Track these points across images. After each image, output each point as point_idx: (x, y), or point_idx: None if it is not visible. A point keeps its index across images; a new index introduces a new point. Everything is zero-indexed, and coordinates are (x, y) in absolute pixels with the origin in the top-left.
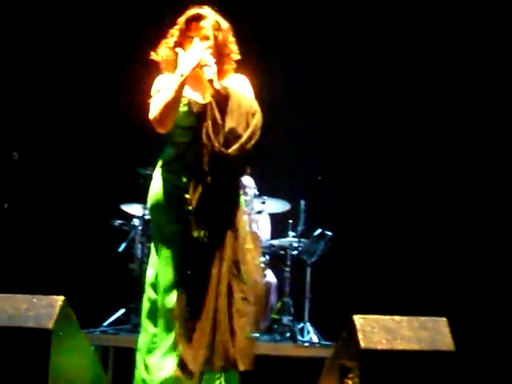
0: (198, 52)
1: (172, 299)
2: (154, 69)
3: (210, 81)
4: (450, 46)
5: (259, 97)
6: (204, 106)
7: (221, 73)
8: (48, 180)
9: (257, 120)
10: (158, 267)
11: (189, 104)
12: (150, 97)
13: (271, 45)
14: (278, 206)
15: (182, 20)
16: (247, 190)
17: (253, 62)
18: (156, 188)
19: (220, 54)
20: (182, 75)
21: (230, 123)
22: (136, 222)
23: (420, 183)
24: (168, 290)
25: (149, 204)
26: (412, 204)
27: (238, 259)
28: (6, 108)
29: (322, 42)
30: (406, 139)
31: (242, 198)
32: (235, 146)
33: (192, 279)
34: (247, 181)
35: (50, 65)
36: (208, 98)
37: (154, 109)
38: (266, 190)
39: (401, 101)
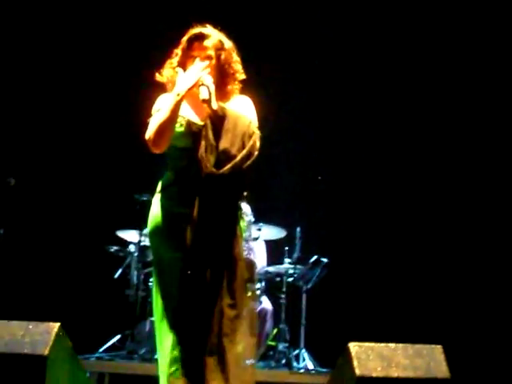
0: (196, 71)
1: (164, 330)
2: (158, 90)
3: (205, 101)
4: (445, 50)
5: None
6: (200, 127)
7: (225, 93)
8: (44, 206)
9: (253, 141)
10: (154, 293)
11: (186, 124)
12: (150, 116)
13: (266, 66)
14: (274, 232)
15: (184, 40)
16: (244, 216)
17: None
18: (154, 214)
19: (223, 74)
20: (178, 94)
21: (223, 144)
22: (132, 248)
23: (414, 211)
24: (160, 319)
25: (148, 230)
26: (407, 231)
27: (234, 288)
28: (2, 134)
29: (318, 58)
30: (402, 166)
31: (243, 224)
32: (227, 167)
33: (189, 307)
34: (244, 208)
35: (44, 94)
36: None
37: (150, 128)
38: (262, 216)
39: (395, 125)
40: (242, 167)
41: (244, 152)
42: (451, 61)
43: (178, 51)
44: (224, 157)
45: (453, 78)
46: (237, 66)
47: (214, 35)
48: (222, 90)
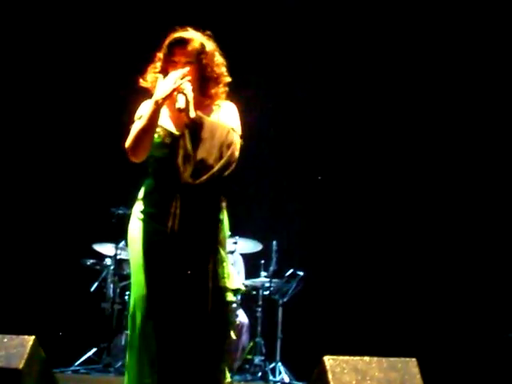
0: (175, 79)
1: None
2: (142, 96)
3: (181, 110)
4: (444, 48)
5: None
6: (178, 136)
7: (208, 97)
8: (21, 218)
9: (231, 151)
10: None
11: (163, 134)
12: (132, 122)
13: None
14: (250, 246)
15: (165, 44)
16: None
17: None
18: (135, 221)
19: (205, 78)
20: (155, 102)
21: (201, 153)
22: (108, 261)
23: (389, 227)
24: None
25: (128, 237)
26: (382, 245)
27: (210, 300)
28: None
29: (299, 71)
30: (381, 182)
31: (223, 236)
32: (204, 177)
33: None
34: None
35: (19, 108)
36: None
37: (129, 136)
38: (238, 229)
39: (380, 139)
40: (220, 177)
41: (222, 162)
42: (449, 58)
43: (161, 55)
44: (201, 166)
45: (451, 77)
46: (220, 68)
47: (195, 39)
48: (205, 95)
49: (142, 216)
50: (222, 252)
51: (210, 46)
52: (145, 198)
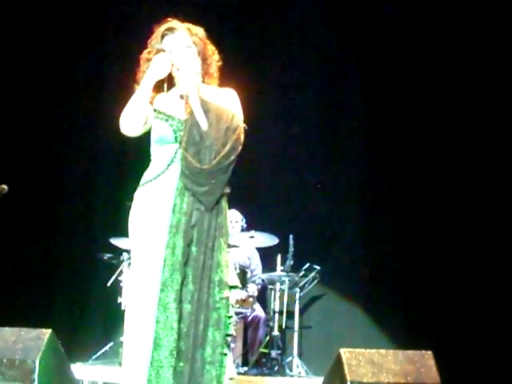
0: (165, 61)
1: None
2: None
3: (182, 97)
4: (443, 47)
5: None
6: (183, 122)
7: (209, 77)
8: (38, 213)
9: (237, 135)
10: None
11: (167, 120)
12: None
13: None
14: (267, 240)
15: (156, 36)
16: (235, 223)
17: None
18: (136, 207)
19: (205, 58)
20: (148, 77)
21: (206, 138)
22: (125, 255)
23: (405, 220)
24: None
25: (130, 224)
26: (400, 237)
27: (211, 292)
28: None
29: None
30: (396, 173)
31: (225, 221)
32: (212, 162)
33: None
34: (235, 215)
35: (30, 103)
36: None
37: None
38: (254, 223)
39: (389, 133)
40: (227, 162)
41: (228, 147)
42: (449, 58)
43: (151, 48)
44: (208, 152)
45: (450, 75)
46: (211, 47)
47: (184, 25)
48: (206, 75)
49: (144, 202)
50: (222, 241)
51: (197, 28)
52: (146, 184)
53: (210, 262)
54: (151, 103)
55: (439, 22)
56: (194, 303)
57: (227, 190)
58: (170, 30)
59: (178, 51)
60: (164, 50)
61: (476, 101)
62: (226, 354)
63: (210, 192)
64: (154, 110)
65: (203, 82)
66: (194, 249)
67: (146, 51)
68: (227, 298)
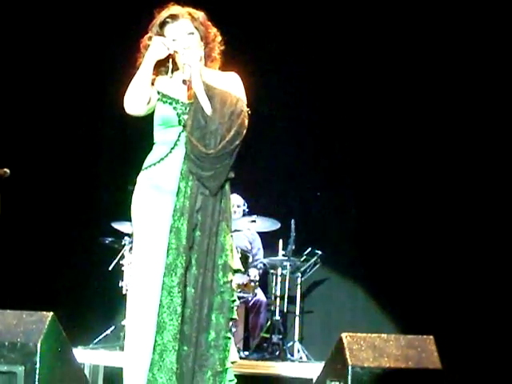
0: (164, 43)
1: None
2: None
3: (185, 82)
4: (443, 46)
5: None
6: (188, 106)
7: (212, 60)
8: (40, 197)
9: (241, 120)
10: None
11: (171, 103)
12: None
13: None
14: (268, 224)
15: (155, 23)
16: (237, 208)
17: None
18: (141, 191)
19: (208, 42)
20: (149, 57)
21: (211, 123)
22: (127, 239)
23: (408, 205)
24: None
25: (133, 208)
26: (402, 223)
27: (214, 276)
28: None
29: (315, 52)
30: (396, 159)
31: (228, 205)
32: (217, 147)
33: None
34: (237, 199)
35: (37, 85)
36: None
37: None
38: (255, 208)
39: (393, 117)
40: (232, 147)
41: (233, 132)
42: (449, 58)
43: (152, 34)
44: (213, 137)
45: (449, 74)
46: (213, 29)
47: (184, 11)
48: (209, 59)
49: (147, 186)
50: (225, 225)
51: (198, 13)
52: (151, 168)
53: (214, 246)
54: (153, 84)
55: (439, 21)
56: (198, 287)
57: (232, 175)
58: (172, 17)
59: (181, 39)
60: (164, 36)
61: (476, 101)
62: (229, 338)
63: (215, 177)
64: (158, 93)
65: (206, 65)
66: (197, 233)
67: (146, 36)
68: (231, 282)
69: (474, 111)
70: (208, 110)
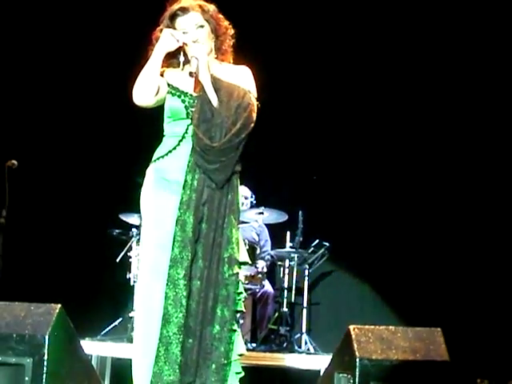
0: (175, 35)
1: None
2: None
3: (192, 74)
4: (442, 46)
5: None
6: (195, 99)
7: (223, 54)
8: (48, 189)
9: (248, 113)
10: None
11: (180, 95)
12: None
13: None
14: (276, 216)
15: (166, 16)
16: (244, 200)
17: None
18: (149, 183)
19: (218, 35)
20: (158, 49)
21: (217, 116)
22: (134, 231)
23: (415, 196)
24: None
25: (142, 200)
26: (409, 214)
27: (220, 270)
28: (4, 117)
29: (320, 47)
30: (404, 150)
31: (237, 198)
32: (222, 140)
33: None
34: (244, 191)
35: (44, 77)
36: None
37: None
38: (263, 200)
39: (396, 109)
40: (237, 140)
41: (239, 125)
42: (448, 57)
43: (163, 26)
44: (219, 129)
45: (449, 74)
46: (225, 22)
47: (195, 3)
48: (220, 52)
49: (155, 178)
50: (233, 219)
51: (209, 6)
52: (159, 160)
53: (220, 239)
54: (162, 76)
55: (439, 21)
56: (204, 280)
57: (238, 168)
58: (182, 10)
59: (191, 32)
60: (175, 28)
61: (475, 101)
62: (235, 331)
63: (221, 170)
64: (168, 85)
65: (217, 58)
66: (204, 226)
67: (158, 28)
68: (237, 275)
69: (474, 111)
70: (215, 102)
